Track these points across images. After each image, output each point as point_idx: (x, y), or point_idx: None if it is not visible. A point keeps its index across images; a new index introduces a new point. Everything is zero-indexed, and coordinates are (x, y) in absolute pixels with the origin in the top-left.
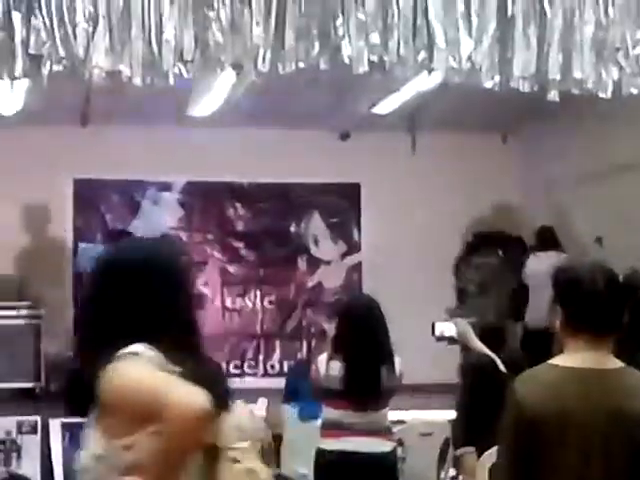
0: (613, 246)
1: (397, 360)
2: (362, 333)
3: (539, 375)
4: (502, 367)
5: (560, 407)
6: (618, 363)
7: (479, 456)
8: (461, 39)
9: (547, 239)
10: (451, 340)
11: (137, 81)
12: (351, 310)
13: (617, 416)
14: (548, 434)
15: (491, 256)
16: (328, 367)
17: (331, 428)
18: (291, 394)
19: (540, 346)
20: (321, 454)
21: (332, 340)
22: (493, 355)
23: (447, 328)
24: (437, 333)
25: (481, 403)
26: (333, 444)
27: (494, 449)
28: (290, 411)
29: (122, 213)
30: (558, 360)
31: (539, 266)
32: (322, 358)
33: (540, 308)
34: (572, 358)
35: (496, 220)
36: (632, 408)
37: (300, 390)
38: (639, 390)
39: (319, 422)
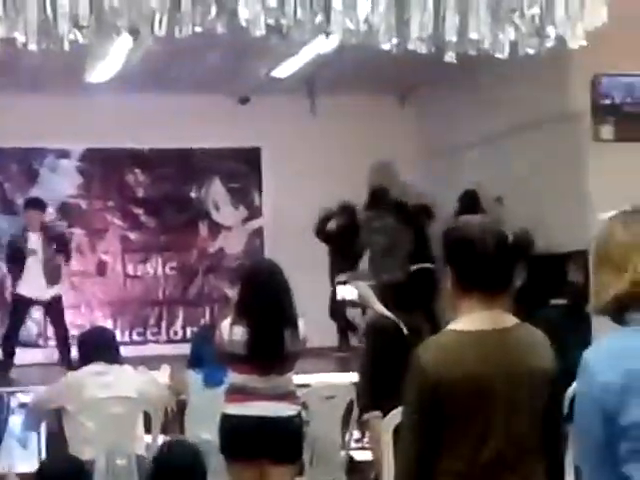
0: (513, 206)
1: (301, 324)
2: (265, 297)
3: (441, 341)
4: (404, 329)
5: (463, 371)
6: (514, 320)
7: (384, 417)
8: (358, 1)
9: (470, 204)
10: (353, 303)
11: (32, 47)
12: (253, 275)
13: (517, 374)
14: (452, 398)
15: (388, 219)
16: (231, 332)
17: (235, 393)
18: (195, 360)
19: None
20: (226, 419)
21: (235, 305)
22: (394, 317)
23: (348, 292)
24: (339, 297)
25: (385, 366)
26: (237, 409)
27: (397, 410)
28: (194, 377)
29: (20, 182)
30: (456, 325)
31: None
32: (225, 323)
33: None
34: (469, 321)
35: (389, 184)
36: (532, 364)
37: (204, 356)
38: (537, 346)
39: (223, 388)
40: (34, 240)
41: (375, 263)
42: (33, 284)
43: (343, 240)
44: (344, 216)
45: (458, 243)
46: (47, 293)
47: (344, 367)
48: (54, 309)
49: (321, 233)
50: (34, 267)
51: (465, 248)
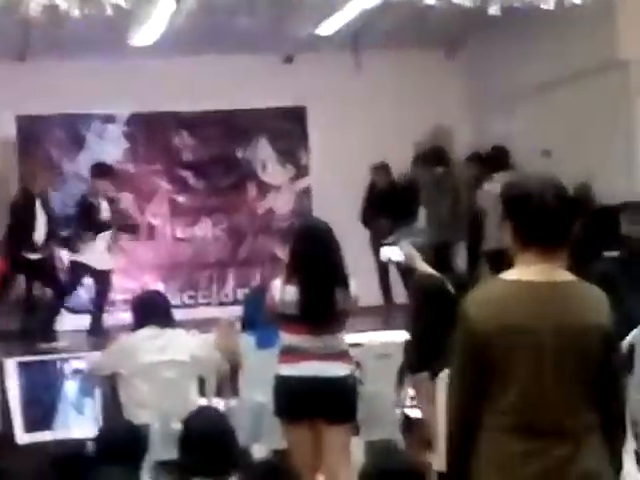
0: (561, 158)
1: (352, 283)
2: (315, 257)
3: (489, 290)
4: (450, 287)
5: (510, 320)
6: (569, 276)
7: (434, 377)
8: None
9: (499, 159)
10: (397, 264)
11: (75, 13)
12: (303, 234)
13: (568, 328)
14: (499, 347)
15: (434, 174)
16: (283, 292)
17: (288, 353)
18: (248, 322)
19: (495, 267)
20: (279, 380)
21: (285, 265)
22: (440, 276)
23: (393, 252)
24: (383, 258)
25: (432, 325)
26: (291, 369)
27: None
28: (247, 339)
29: (67, 148)
30: (508, 274)
31: (494, 188)
32: (276, 284)
33: (494, 230)
34: (522, 271)
35: (436, 138)
36: (585, 320)
37: (257, 318)
38: (591, 302)
39: (277, 349)
40: (105, 208)
41: (437, 221)
42: (95, 253)
43: (391, 199)
44: (384, 176)
45: (517, 198)
46: (107, 264)
47: (390, 325)
48: (105, 279)
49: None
50: (100, 237)
51: (524, 203)
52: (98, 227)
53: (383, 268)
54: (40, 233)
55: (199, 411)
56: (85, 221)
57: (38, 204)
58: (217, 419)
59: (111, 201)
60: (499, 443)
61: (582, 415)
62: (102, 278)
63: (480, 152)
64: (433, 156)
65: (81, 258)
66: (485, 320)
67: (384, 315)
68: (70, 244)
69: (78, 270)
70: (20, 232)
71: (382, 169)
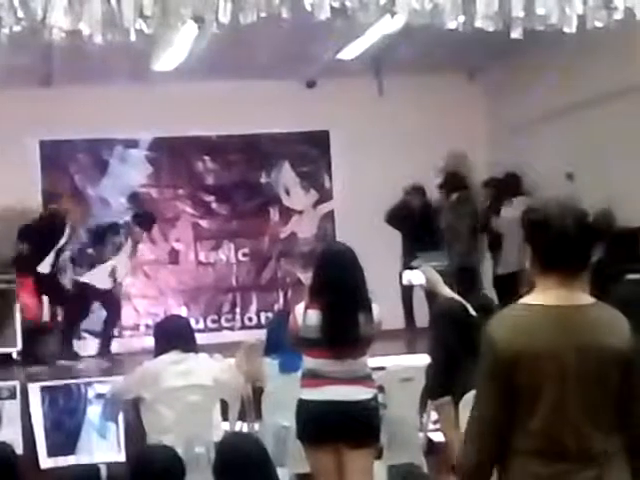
0: (584, 182)
1: (375, 307)
2: (337, 281)
3: (512, 315)
4: (472, 311)
5: (534, 344)
6: (590, 299)
7: (456, 402)
8: None
9: (513, 185)
10: (420, 288)
11: (98, 39)
12: (326, 259)
13: (590, 350)
14: (524, 371)
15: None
16: (305, 317)
17: (311, 378)
18: (272, 347)
19: (509, 289)
20: (302, 404)
21: (308, 289)
22: (462, 300)
23: (415, 276)
24: (405, 282)
25: (454, 349)
26: (314, 394)
27: (473, 392)
28: (271, 364)
29: (91, 173)
30: (530, 299)
31: (512, 213)
32: (299, 308)
33: (512, 254)
34: (543, 296)
35: (452, 164)
36: (606, 343)
37: (280, 342)
38: (612, 325)
39: (300, 374)
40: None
41: (457, 246)
42: (100, 273)
43: (419, 222)
44: (418, 197)
45: (537, 223)
46: (110, 283)
47: (412, 349)
48: (110, 301)
49: (393, 219)
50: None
51: (544, 228)
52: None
53: (406, 291)
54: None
55: (233, 436)
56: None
57: (67, 231)
58: (252, 444)
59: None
60: (525, 467)
61: (606, 438)
62: (108, 299)
63: (496, 177)
64: (451, 182)
65: (85, 279)
66: (510, 345)
67: (407, 339)
68: (78, 262)
69: (84, 292)
70: (41, 252)
71: (417, 190)
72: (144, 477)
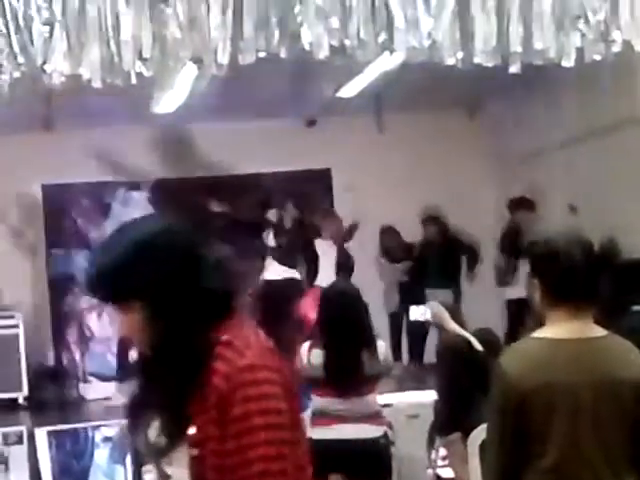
0: (588, 213)
1: (381, 345)
2: (340, 319)
3: (524, 349)
4: (478, 346)
5: (547, 379)
6: (601, 331)
7: (465, 437)
8: (420, 17)
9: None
10: (427, 323)
11: (97, 83)
12: (329, 297)
13: (605, 384)
14: (537, 406)
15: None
16: (310, 356)
17: (319, 417)
18: None
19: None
20: (312, 444)
21: (313, 328)
22: (468, 335)
23: (421, 312)
24: (412, 317)
25: (461, 385)
26: (322, 433)
27: (482, 427)
28: None
29: (93, 216)
30: (541, 332)
31: None
32: (304, 348)
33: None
34: (555, 329)
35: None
36: (620, 376)
37: None
38: (625, 357)
39: (308, 413)
40: None
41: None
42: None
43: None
44: (436, 226)
45: (544, 256)
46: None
47: (417, 385)
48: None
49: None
50: None
51: (551, 262)
52: None
53: (414, 327)
54: None
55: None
56: None
57: None
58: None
59: None
60: None
61: (622, 473)
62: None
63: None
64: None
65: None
66: (522, 379)
67: (412, 375)
68: None
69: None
70: None
71: (432, 220)
72: None
